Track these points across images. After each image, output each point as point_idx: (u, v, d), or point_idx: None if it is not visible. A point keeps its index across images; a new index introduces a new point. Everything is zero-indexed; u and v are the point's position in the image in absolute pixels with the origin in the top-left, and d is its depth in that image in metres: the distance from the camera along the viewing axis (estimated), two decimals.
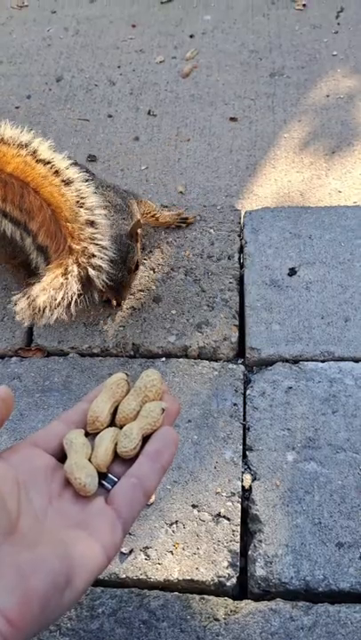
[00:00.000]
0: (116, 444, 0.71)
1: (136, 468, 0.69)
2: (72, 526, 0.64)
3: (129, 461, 0.70)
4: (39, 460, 0.69)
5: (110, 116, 2.39)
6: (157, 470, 0.69)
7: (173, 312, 1.55)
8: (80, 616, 1.10)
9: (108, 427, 0.72)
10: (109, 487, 0.69)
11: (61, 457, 0.71)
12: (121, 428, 0.72)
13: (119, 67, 2.60)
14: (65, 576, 0.58)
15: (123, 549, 1.17)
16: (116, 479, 0.69)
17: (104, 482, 0.69)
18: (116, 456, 0.71)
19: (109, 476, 0.70)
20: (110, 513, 0.66)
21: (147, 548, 1.17)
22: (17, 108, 2.45)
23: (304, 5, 2.78)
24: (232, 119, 2.33)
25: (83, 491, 0.67)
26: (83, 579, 0.60)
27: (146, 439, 0.72)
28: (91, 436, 0.72)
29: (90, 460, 0.70)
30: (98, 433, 0.72)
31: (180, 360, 1.47)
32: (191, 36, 2.70)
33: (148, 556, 1.17)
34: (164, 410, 0.72)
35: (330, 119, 2.29)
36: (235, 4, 2.83)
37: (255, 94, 2.41)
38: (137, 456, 0.70)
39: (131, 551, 1.17)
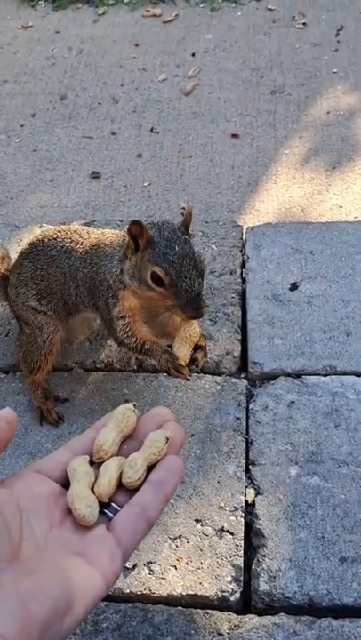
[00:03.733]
0: (120, 474, 0.72)
1: (139, 497, 0.70)
2: (72, 554, 0.65)
3: (133, 490, 0.71)
4: (42, 486, 0.70)
5: (114, 134, 2.42)
6: (161, 499, 0.70)
7: None
8: (84, 631, 1.10)
9: (113, 455, 0.73)
10: (112, 516, 0.70)
11: (66, 483, 0.72)
12: (126, 456, 0.73)
13: (122, 85, 2.64)
14: (65, 603, 0.59)
15: (126, 564, 1.18)
16: (118, 508, 0.70)
17: (106, 510, 0.70)
18: (120, 484, 0.72)
19: (112, 505, 0.71)
20: (111, 541, 0.67)
21: (150, 562, 1.18)
22: (22, 126, 2.49)
23: (304, 24, 2.82)
24: (234, 136, 2.36)
25: (82, 521, 0.68)
26: (82, 606, 0.61)
27: (150, 467, 0.73)
28: (96, 464, 0.73)
29: (93, 488, 0.70)
30: (103, 461, 0.73)
31: None
32: (193, 55, 2.74)
33: (152, 570, 1.17)
34: (168, 439, 0.73)
35: (330, 135, 2.32)
36: (236, 23, 2.88)
37: (256, 111, 2.45)
38: (141, 485, 0.71)
39: (134, 566, 1.17)
